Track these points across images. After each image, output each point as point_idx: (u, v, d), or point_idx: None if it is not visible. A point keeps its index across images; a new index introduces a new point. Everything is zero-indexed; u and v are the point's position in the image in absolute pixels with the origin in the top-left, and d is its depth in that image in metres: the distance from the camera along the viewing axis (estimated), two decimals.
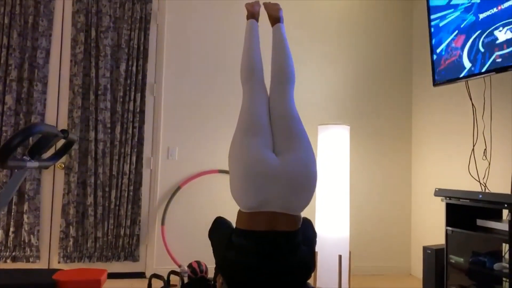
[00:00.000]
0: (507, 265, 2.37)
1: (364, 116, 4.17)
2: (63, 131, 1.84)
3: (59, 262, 3.52)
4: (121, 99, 3.68)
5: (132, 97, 3.68)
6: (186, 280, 3.34)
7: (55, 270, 2.18)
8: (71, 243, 3.53)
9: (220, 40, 3.95)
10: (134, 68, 3.70)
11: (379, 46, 4.26)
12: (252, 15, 2.36)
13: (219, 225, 2.17)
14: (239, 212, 1.97)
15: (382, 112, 4.21)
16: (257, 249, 1.84)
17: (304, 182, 1.90)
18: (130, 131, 3.67)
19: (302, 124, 2.08)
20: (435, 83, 3.29)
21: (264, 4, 2.44)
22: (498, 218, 2.81)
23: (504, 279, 2.42)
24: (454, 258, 2.78)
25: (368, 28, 4.25)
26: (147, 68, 3.75)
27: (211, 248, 2.17)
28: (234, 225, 2.17)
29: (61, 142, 3.58)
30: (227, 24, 3.97)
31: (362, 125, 4.16)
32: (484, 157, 3.11)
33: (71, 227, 3.54)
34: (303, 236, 1.98)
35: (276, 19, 2.31)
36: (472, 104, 3.19)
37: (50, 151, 3.47)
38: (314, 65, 4.13)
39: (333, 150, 3.47)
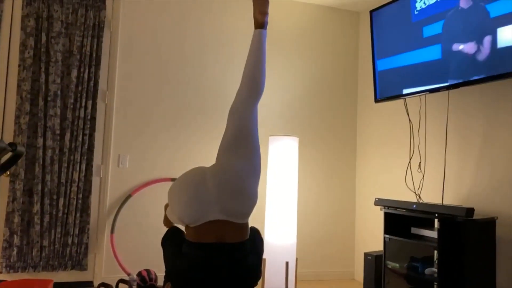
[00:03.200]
0: (436, 270, 2.59)
1: (312, 128, 4.36)
2: (11, 144, 1.82)
3: (1, 272, 3.41)
4: (72, 106, 3.63)
5: (83, 104, 3.65)
6: None
7: None
8: (14, 252, 3.43)
9: (174, 48, 4.00)
10: (86, 75, 3.67)
11: (327, 62, 4.47)
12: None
13: (172, 234, 2.21)
14: (186, 227, 2.02)
15: (329, 125, 4.42)
16: (205, 260, 1.90)
17: (235, 184, 1.93)
18: (80, 138, 3.63)
19: (257, 139, 2.05)
20: (376, 100, 3.51)
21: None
22: (431, 226, 3.04)
23: (435, 283, 2.63)
24: (391, 264, 2.98)
25: (316, 43, 4.45)
26: (99, 75, 3.73)
27: (162, 256, 2.22)
28: None
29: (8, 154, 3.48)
30: (181, 32, 4.03)
31: (310, 137, 4.34)
32: (419, 170, 3.36)
33: (15, 236, 3.44)
34: (251, 245, 2.07)
35: (261, 24, 2.09)
36: (410, 120, 3.44)
37: None
38: (265, 79, 4.26)
39: (282, 160, 3.61)
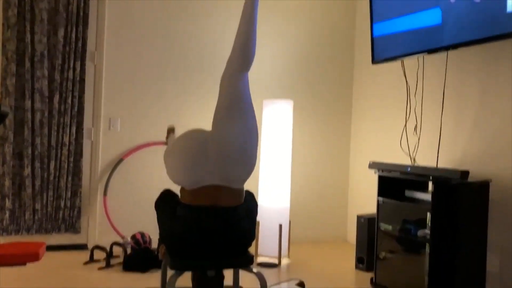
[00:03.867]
0: (429, 232, 2.60)
1: (307, 92, 4.29)
2: None
3: None
4: (60, 67, 3.52)
5: (71, 65, 3.54)
6: (129, 251, 3.36)
7: None
8: (7, 215, 3.41)
9: (164, 7, 3.86)
10: (73, 35, 3.54)
11: (323, 23, 4.34)
12: None
13: (166, 196, 2.21)
14: (181, 189, 2.02)
15: (325, 88, 4.35)
16: (200, 222, 1.90)
17: (236, 153, 1.95)
18: (69, 100, 3.54)
19: (251, 103, 2.01)
20: (374, 61, 3.44)
21: None
22: (425, 189, 3.05)
23: (427, 244, 2.66)
24: (384, 226, 3.00)
25: (312, 4, 4.31)
26: (87, 35, 3.60)
27: (156, 218, 2.21)
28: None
29: None
30: None
31: (305, 100, 4.28)
32: (414, 133, 3.34)
33: (7, 199, 3.41)
34: (246, 208, 2.07)
35: None
36: (407, 82, 3.38)
37: None
38: (259, 42, 4.15)
39: (276, 124, 3.57)
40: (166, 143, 2.60)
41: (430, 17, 2.90)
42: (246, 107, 2.00)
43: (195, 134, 2.03)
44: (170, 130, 2.75)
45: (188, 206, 1.93)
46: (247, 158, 1.98)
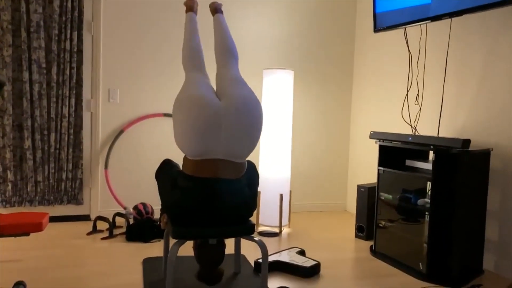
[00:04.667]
0: (429, 201, 2.62)
1: (308, 61, 4.23)
2: None
3: None
4: (57, 38, 3.47)
5: (68, 36, 3.48)
6: (131, 221, 3.40)
7: None
8: (9, 187, 3.43)
9: None
10: (69, 4, 3.46)
11: None
12: (191, 8, 2.48)
13: (166, 166, 2.21)
14: (185, 158, 2.02)
15: (326, 57, 4.29)
16: (201, 192, 1.91)
17: (247, 124, 1.96)
18: (67, 72, 3.50)
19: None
20: (376, 29, 3.38)
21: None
22: (425, 158, 3.05)
23: (426, 213, 2.68)
24: (384, 195, 3.01)
25: None
26: (83, 4, 3.53)
27: (157, 189, 2.23)
28: (181, 167, 2.22)
29: None
30: None
31: (306, 70, 4.23)
32: (416, 102, 3.31)
33: (8, 171, 3.42)
34: (247, 179, 2.08)
35: (217, 10, 2.55)
36: (409, 51, 3.32)
37: None
38: (259, 11, 4.07)
39: (277, 94, 3.54)
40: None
41: None
42: (247, 84, 2.17)
43: (209, 101, 1.98)
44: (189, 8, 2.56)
45: (189, 176, 1.94)
46: (257, 133, 2.02)
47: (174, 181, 2.02)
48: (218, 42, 2.37)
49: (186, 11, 2.50)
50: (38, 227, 2.00)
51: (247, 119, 1.97)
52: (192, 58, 2.25)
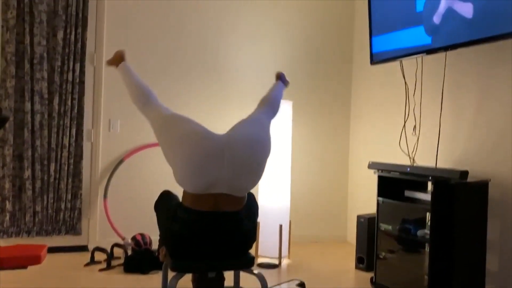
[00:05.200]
0: (429, 232, 2.61)
1: (306, 92, 4.29)
2: None
3: None
4: (59, 69, 3.53)
5: (70, 67, 3.55)
6: (130, 252, 3.37)
7: None
8: (7, 218, 3.42)
9: (164, 8, 3.86)
10: (72, 37, 3.54)
11: (322, 23, 4.35)
12: (122, 58, 2.37)
13: (165, 198, 2.20)
14: (184, 191, 2.00)
15: (324, 88, 4.35)
16: (200, 225, 1.90)
17: (252, 158, 1.92)
18: (69, 102, 3.55)
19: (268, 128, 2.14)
20: (372, 62, 3.44)
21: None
22: (424, 189, 3.06)
23: (426, 244, 2.67)
24: (384, 226, 3.01)
25: (311, 4, 4.31)
26: (86, 36, 3.61)
27: (156, 220, 2.21)
28: (180, 199, 2.22)
29: None
30: None
31: (304, 100, 4.28)
32: (413, 133, 3.34)
33: (7, 201, 3.41)
34: (246, 210, 2.06)
35: (279, 78, 2.67)
36: (405, 83, 3.38)
37: None
38: (260, 42, 4.16)
39: (276, 125, 3.57)
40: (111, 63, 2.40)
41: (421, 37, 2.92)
42: (263, 122, 2.15)
43: (206, 134, 1.91)
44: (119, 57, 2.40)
45: (189, 209, 1.92)
46: (260, 168, 1.95)
47: (174, 213, 2.01)
48: (267, 94, 2.40)
49: (117, 65, 2.35)
50: (36, 260, 1.99)
51: (251, 153, 1.91)
52: (152, 94, 2.16)
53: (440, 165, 3.12)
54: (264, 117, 2.19)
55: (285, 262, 3.57)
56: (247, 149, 1.92)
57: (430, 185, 2.94)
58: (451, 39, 2.75)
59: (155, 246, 3.75)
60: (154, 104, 2.14)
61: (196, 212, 1.91)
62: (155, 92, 2.21)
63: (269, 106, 2.31)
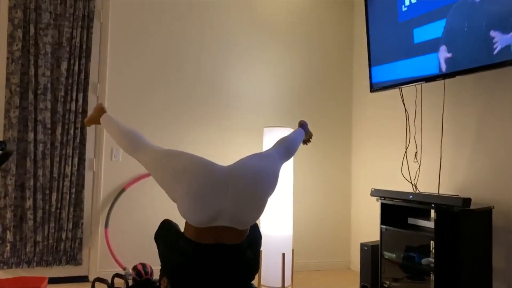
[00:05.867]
0: (433, 260, 2.58)
1: (307, 119, 4.32)
2: (0, 143, 1.77)
3: None
4: (63, 99, 3.57)
5: (74, 97, 3.58)
6: (131, 282, 3.32)
7: None
8: (8, 248, 3.39)
9: (166, 39, 3.93)
10: (76, 67, 3.60)
11: (322, 51, 4.42)
12: (103, 111, 2.39)
13: (166, 228, 2.18)
14: (187, 222, 1.99)
15: (324, 115, 4.39)
16: (201, 258, 1.88)
17: (255, 192, 1.89)
18: (71, 132, 3.57)
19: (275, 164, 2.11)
20: (372, 90, 3.48)
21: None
22: (427, 216, 3.04)
23: (431, 272, 2.63)
24: (387, 254, 2.97)
25: (311, 32, 4.39)
26: (89, 67, 3.66)
27: (157, 251, 2.19)
28: (181, 228, 2.20)
29: None
30: (173, 22, 3.96)
31: None
32: (415, 160, 3.35)
33: (8, 231, 3.39)
34: (249, 240, 2.05)
35: (301, 125, 2.66)
36: (405, 110, 3.41)
37: None
38: (260, 70, 4.22)
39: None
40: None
41: (428, 65, 2.96)
42: (274, 160, 2.11)
43: (209, 165, 1.89)
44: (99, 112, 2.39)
45: (191, 241, 1.91)
46: (263, 202, 1.92)
47: (175, 243, 1.99)
48: (286, 136, 2.38)
49: (99, 118, 2.35)
50: None
51: (255, 187, 1.88)
52: (140, 138, 2.13)
53: (443, 191, 3.11)
54: (277, 156, 2.17)
55: None
56: (251, 182, 1.91)
57: (433, 213, 2.93)
58: (449, 67, 2.78)
59: (156, 275, 3.72)
60: (144, 147, 2.10)
61: (198, 245, 1.89)
62: (142, 134, 2.17)
63: (285, 147, 2.29)
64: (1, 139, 3.41)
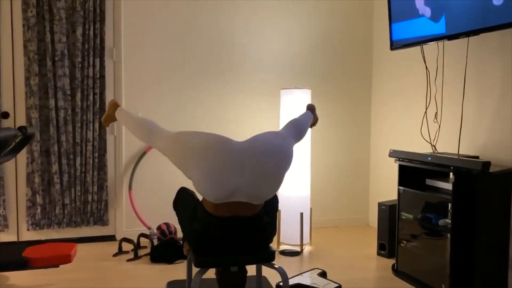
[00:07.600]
0: (450, 221, 2.61)
1: (325, 80, 4.25)
2: (21, 128, 1.80)
3: (28, 230, 3.56)
4: (80, 65, 3.59)
5: (91, 63, 3.60)
6: (156, 242, 3.47)
7: (24, 246, 2.24)
8: (38, 210, 3.56)
9: (182, 2, 3.85)
10: (91, 32, 3.59)
11: (340, 10, 4.26)
12: (116, 105, 2.40)
13: (183, 196, 2.24)
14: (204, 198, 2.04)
15: (343, 76, 4.30)
16: (220, 228, 1.95)
17: (271, 168, 1.90)
18: (91, 97, 3.62)
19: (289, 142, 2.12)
20: (392, 48, 3.38)
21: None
22: (446, 178, 3.03)
23: (448, 234, 2.66)
24: (404, 215, 3.01)
25: None
26: (104, 31, 3.64)
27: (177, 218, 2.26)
28: (196, 194, 2.26)
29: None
30: None
31: (323, 89, 4.25)
32: (435, 120, 3.29)
33: (37, 195, 3.55)
34: (266, 206, 2.10)
35: (309, 109, 2.60)
36: (426, 69, 3.31)
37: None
38: (277, 31, 4.11)
39: (295, 114, 3.57)
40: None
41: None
42: (287, 138, 2.13)
43: (226, 141, 1.90)
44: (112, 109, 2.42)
45: (208, 213, 1.96)
46: (280, 178, 1.94)
47: (193, 211, 2.05)
48: (296, 118, 2.41)
49: (114, 113, 2.38)
50: (67, 259, 2.09)
51: (272, 163, 1.90)
52: (153, 126, 2.16)
53: (463, 152, 3.08)
54: (289, 136, 2.17)
55: (307, 249, 3.63)
56: (268, 158, 1.92)
57: (451, 175, 2.92)
58: (472, 25, 2.66)
59: (180, 234, 3.87)
60: (159, 133, 2.13)
61: (215, 217, 1.95)
62: (155, 122, 2.21)
63: (296, 128, 2.30)
64: (25, 107, 3.50)
